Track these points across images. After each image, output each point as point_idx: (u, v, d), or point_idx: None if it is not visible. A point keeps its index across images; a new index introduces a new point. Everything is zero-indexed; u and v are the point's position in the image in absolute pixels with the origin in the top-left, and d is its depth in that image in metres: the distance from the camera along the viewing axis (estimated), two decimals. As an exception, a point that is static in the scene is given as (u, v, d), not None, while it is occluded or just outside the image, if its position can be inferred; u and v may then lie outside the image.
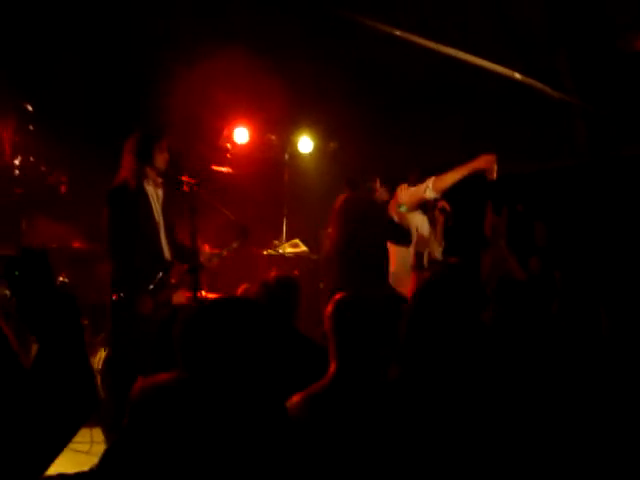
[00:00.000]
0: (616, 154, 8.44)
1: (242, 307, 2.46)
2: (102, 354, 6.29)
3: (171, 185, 5.92)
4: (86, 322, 6.13)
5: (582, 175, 8.50)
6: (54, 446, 2.00)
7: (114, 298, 5.53)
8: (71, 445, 2.07)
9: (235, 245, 6.45)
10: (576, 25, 7.95)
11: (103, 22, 7.85)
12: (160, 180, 5.85)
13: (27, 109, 6.83)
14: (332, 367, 3.35)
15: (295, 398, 3.17)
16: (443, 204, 6.72)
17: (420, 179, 6.75)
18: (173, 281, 6.18)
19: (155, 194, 5.83)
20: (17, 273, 2.05)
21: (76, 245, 6.89)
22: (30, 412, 1.96)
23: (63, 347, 2.04)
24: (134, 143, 5.76)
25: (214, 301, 2.81)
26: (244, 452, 2.23)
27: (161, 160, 5.78)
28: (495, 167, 6.14)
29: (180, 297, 6.88)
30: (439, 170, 6.67)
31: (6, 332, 2.09)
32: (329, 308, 3.52)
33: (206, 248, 7.24)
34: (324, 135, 9.24)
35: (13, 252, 2.05)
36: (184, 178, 5.95)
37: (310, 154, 9.35)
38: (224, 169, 8.45)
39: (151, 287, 5.65)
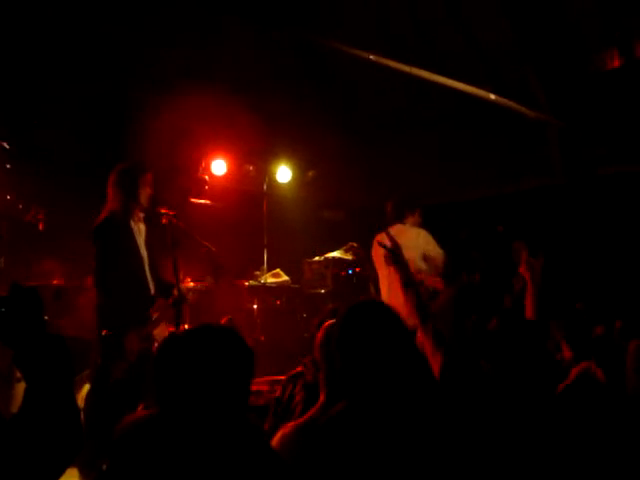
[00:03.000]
0: (591, 173, 8.50)
1: (214, 335, 2.43)
2: (85, 391, 6.21)
3: (150, 218, 5.90)
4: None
5: (558, 194, 8.55)
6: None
7: (103, 334, 5.47)
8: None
9: (210, 281, 6.46)
10: (547, 46, 8.03)
11: (80, 58, 7.84)
12: (142, 215, 5.83)
13: (4, 147, 6.78)
14: (322, 397, 3.28)
15: (285, 429, 3.12)
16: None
17: (398, 208, 6.80)
18: (155, 315, 6.16)
19: (138, 229, 5.79)
20: (3, 310, 2.01)
21: (55, 282, 6.81)
22: (16, 454, 1.92)
23: (52, 389, 2.01)
24: (119, 177, 5.71)
25: (186, 331, 2.78)
26: None
27: (144, 195, 5.74)
28: None
29: (163, 331, 6.85)
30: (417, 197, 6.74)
31: None
32: (319, 336, 3.45)
33: (186, 281, 7.23)
34: (302, 164, 9.25)
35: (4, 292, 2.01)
36: (163, 210, 5.95)
37: (288, 183, 9.35)
38: (203, 201, 8.43)
39: (138, 323, 5.62)
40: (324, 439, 2.82)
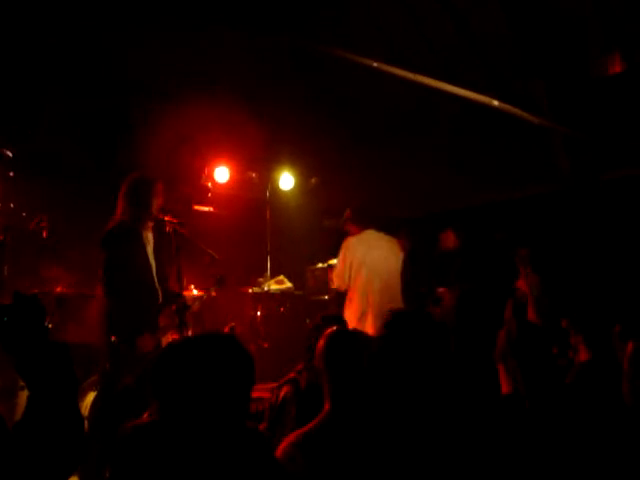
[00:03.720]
0: (597, 179, 8.49)
1: (213, 342, 2.43)
2: (90, 398, 6.22)
3: (157, 226, 5.94)
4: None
5: (566, 200, 8.54)
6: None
7: (113, 339, 5.48)
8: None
9: (213, 292, 6.52)
10: (549, 52, 8.03)
11: (82, 66, 7.85)
12: (151, 224, 5.87)
13: (7, 155, 6.79)
14: (326, 405, 3.25)
15: (290, 438, 3.09)
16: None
17: (357, 216, 6.92)
18: (163, 323, 6.18)
19: (147, 237, 5.84)
20: (6, 319, 2.01)
21: (59, 290, 6.81)
22: (19, 463, 1.91)
23: (55, 397, 2.00)
24: (132, 187, 5.76)
25: (185, 339, 2.78)
26: None
27: (156, 205, 5.79)
28: None
29: (167, 339, 6.86)
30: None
31: None
32: (320, 343, 3.41)
33: (190, 289, 7.24)
34: (304, 171, 9.25)
35: (6, 300, 2.01)
36: (167, 218, 5.97)
37: (291, 190, 9.35)
38: (206, 208, 8.44)
39: (151, 326, 5.65)
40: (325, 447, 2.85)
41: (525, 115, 7.77)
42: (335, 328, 3.54)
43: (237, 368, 2.38)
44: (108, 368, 5.53)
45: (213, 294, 6.57)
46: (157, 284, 5.86)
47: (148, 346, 5.50)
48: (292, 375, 4.69)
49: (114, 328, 5.50)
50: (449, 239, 7.02)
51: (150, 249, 5.85)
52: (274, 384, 4.95)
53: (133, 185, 5.76)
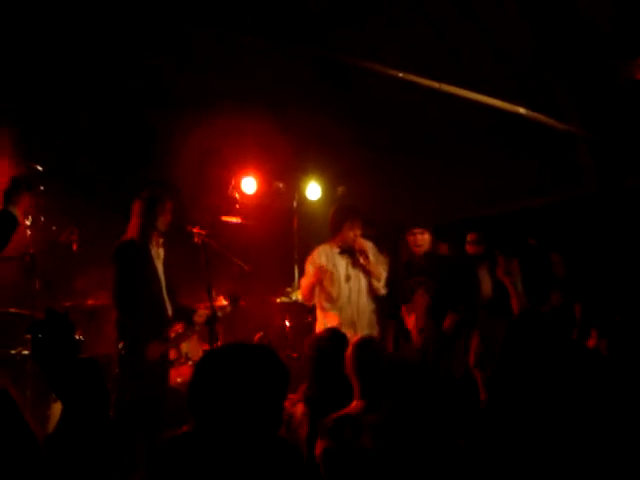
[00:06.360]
0: (622, 184, 8.44)
1: (250, 353, 2.45)
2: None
3: (183, 237, 6.03)
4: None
5: (591, 206, 8.49)
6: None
7: (120, 347, 5.60)
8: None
9: (228, 309, 6.60)
10: (574, 57, 7.99)
11: (111, 79, 7.94)
12: (161, 240, 6.01)
13: (37, 169, 6.87)
14: (355, 402, 3.85)
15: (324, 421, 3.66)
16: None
17: None
18: (171, 336, 6.28)
19: (157, 253, 5.98)
20: (40, 335, 2.04)
21: (90, 302, 6.89)
22: (52, 476, 1.94)
23: (87, 411, 2.03)
24: (140, 205, 5.94)
25: (223, 348, 2.81)
26: None
27: (162, 222, 5.95)
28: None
29: (197, 350, 6.93)
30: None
31: (16, 399, 2.08)
32: (348, 351, 4.02)
33: (219, 300, 7.28)
34: (331, 180, 9.25)
35: (37, 314, 2.05)
36: (195, 230, 6.07)
37: (318, 200, 9.35)
38: (234, 219, 8.47)
39: (159, 336, 5.79)
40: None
41: (550, 122, 7.73)
42: (360, 337, 4.34)
43: (273, 378, 2.39)
44: (118, 377, 5.62)
45: (228, 310, 6.64)
46: (166, 298, 5.99)
47: (155, 355, 5.66)
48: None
49: (123, 337, 5.66)
50: (425, 240, 6.98)
51: (160, 264, 5.99)
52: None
53: (142, 203, 5.95)
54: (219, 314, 6.37)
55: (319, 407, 4.05)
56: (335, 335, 4.61)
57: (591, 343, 4.54)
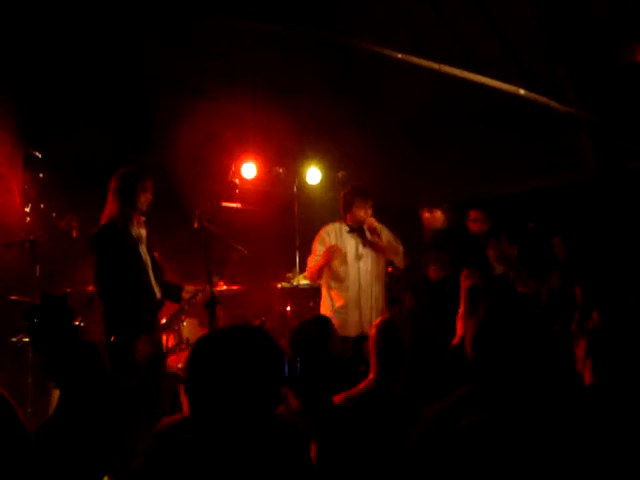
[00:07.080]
0: (623, 167, 8.42)
1: (244, 336, 2.44)
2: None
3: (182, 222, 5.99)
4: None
5: (592, 189, 8.47)
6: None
7: (112, 340, 5.50)
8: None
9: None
10: (576, 39, 7.96)
11: (110, 64, 7.91)
12: (143, 219, 5.84)
13: (36, 156, 6.85)
14: (371, 375, 4.18)
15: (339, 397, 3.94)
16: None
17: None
18: (163, 320, 6.21)
19: (139, 234, 5.80)
20: (36, 320, 2.04)
21: (90, 288, 6.88)
22: (50, 463, 1.94)
23: (84, 396, 2.02)
24: (117, 183, 5.73)
25: (217, 331, 2.80)
26: None
27: (143, 201, 5.76)
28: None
29: (196, 333, 6.91)
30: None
31: (7, 397, 2.06)
32: (372, 331, 4.32)
33: (219, 285, 7.25)
34: (331, 165, 9.23)
35: (37, 300, 2.05)
36: (195, 215, 6.03)
37: (319, 185, 9.33)
38: (234, 205, 8.46)
39: (148, 327, 5.66)
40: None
41: (551, 103, 7.70)
42: (382, 318, 4.60)
43: (270, 361, 2.39)
44: (108, 368, 5.56)
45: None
46: (153, 280, 5.82)
47: (145, 349, 5.50)
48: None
49: (112, 328, 5.52)
50: (437, 219, 6.97)
51: (143, 246, 5.81)
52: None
53: (119, 180, 5.72)
54: (199, 296, 6.24)
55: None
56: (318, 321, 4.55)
57: (591, 325, 4.55)
